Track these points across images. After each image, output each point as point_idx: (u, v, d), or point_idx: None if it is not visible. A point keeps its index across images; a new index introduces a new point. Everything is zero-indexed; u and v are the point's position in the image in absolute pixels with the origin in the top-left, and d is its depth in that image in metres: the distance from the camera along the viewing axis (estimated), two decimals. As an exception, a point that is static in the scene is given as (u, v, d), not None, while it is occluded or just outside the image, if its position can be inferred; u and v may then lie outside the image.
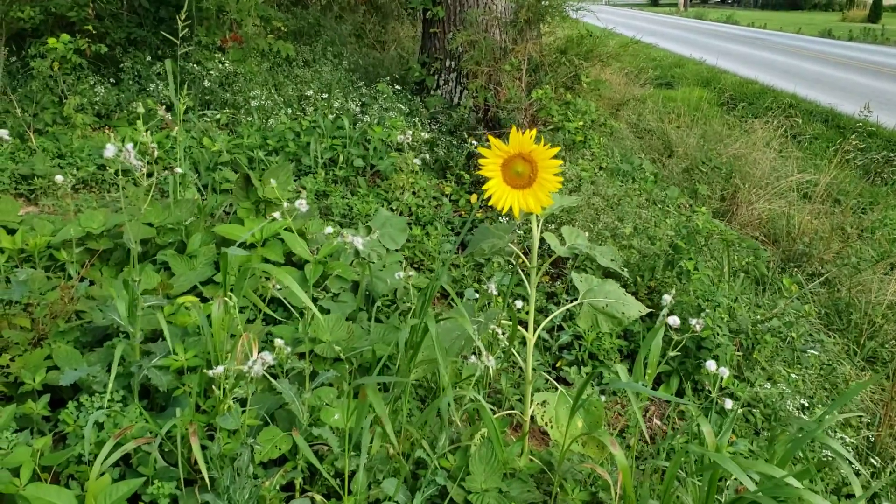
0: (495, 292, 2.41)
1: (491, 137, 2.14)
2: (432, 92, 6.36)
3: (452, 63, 6.16)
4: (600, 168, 4.35)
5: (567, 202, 2.36)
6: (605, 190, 4.04)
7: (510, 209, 2.08)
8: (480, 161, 2.10)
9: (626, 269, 3.70)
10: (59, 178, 3.10)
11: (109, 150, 2.00)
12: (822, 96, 12.50)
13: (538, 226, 2.31)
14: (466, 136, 5.45)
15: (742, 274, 4.23)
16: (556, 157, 2.03)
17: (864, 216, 6.56)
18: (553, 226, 4.10)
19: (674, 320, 2.23)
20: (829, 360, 3.62)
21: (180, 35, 4.72)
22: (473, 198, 4.84)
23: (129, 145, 2.00)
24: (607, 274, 3.75)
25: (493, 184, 2.10)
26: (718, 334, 3.19)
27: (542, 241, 2.37)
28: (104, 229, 3.23)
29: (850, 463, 1.89)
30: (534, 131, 2.06)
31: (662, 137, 8.03)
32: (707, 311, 3.18)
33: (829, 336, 4.09)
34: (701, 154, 7.03)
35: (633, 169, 4.53)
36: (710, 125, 8.92)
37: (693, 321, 2.23)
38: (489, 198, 2.09)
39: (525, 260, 2.35)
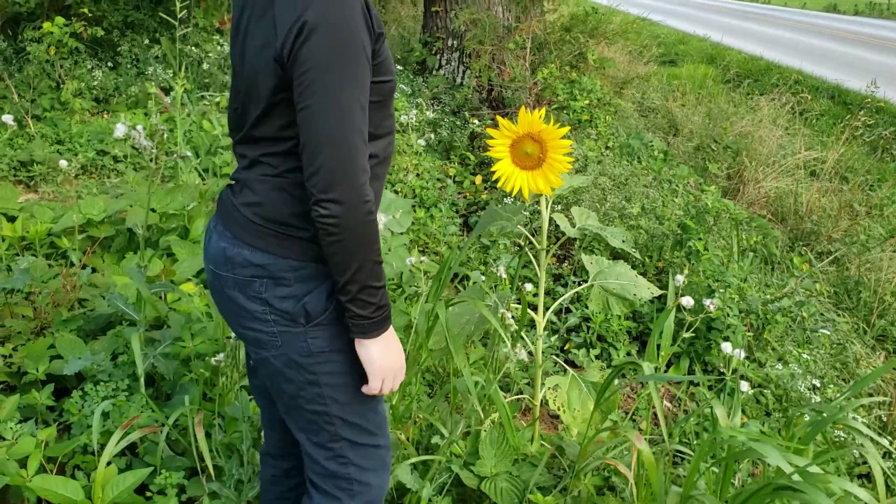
0: (503, 275, 2.37)
1: (499, 118, 2.09)
2: (434, 72, 6.29)
3: (455, 42, 6.08)
4: (606, 147, 4.29)
5: (577, 182, 2.31)
6: (612, 169, 3.99)
7: (520, 191, 2.04)
8: (489, 142, 2.05)
9: (635, 250, 3.66)
10: (63, 163, 3.07)
11: (120, 130, 1.96)
12: (829, 72, 12.38)
13: (547, 207, 2.26)
14: (470, 116, 5.39)
15: (751, 253, 4.19)
16: (564, 137, 1.98)
17: (873, 193, 6.50)
18: (559, 206, 4.05)
19: (687, 301, 2.20)
20: (840, 340, 3.58)
21: (178, 17, 4.65)
22: (478, 179, 4.79)
23: (140, 127, 1.95)
24: (616, 255, 3.71)
25: (501, 165, 2.05)
26: (729, 315, 3.15)
27: (550, 221, 2.33)
28: (105, 216, 3.19)
29: (875, 442, 1.85)
30: (543, 111, 2.01)
31: (667, 116, 7.95)
32: (718, 291, 3.14)
33: (839, 315, 4.05)
34: (706, 132, 6.96)
35: (643, 146, 4.47)
36: (716, 103, 8.83)
37: (707, 301, 2.19)
38: (498, 179, 2.05)
39: (534, 241, 2.31)
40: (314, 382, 1.46)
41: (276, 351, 1.45)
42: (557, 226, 2.79)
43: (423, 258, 2.29)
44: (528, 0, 4.74)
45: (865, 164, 7.40)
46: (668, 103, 8.63)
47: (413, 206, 4.45)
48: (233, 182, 1.50)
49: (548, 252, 2.29)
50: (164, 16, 5.36)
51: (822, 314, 3.75)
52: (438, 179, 4.83)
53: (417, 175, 4.73)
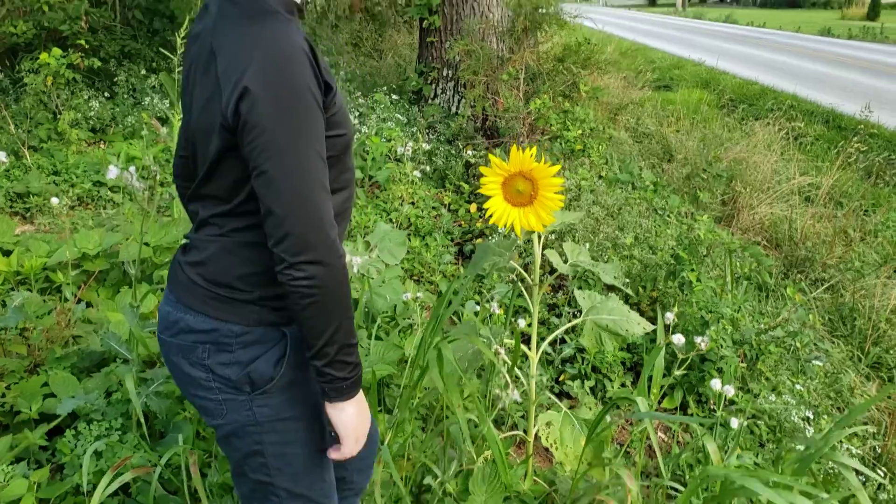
0: (497, 309, 2.38)
1: (491, 156, 2.11)
2: (430, 101, 6.34)
3: (450, 72, 6.13)
4: (600, 177, 4.31)
5: (568, 218, 2.33)
6: (605, 199, 4.01)
7: (512, 226, 2.06)
8: (481, 180, 2.07)
9: (628, 281, 3.67)
10: (54, 200, 3.07)
11: (112, 172, 1.98)
12: (823, 96, 12.45)
13: (539, 242, 2.28)
14: (465, 145, 5.42)
15: (745, 281, 4.20)
16: (557, 174, 2.00)
17: (867, 218, 6.52)
18: (553, 235, 4.07)
19: (678, 339, 2.20)
20: (834, 369, 3.58)
21: (175, 47, 4.69)
22: (473, 207, 4.81)
23: (132, 168, 1.97)
24: (609, 287, 3.72)
25: (494, 202, 2.07)
26: (722, 346, 3.16)
27: (542, 256, 2.34)
28: (100, 249, 3.20)
29: (860, 475, 1.85)
30: (534, 149, 2.03)
31: (662, 142, 7.99)
32: (710, 323, 3.15)
33: (834, 343, 4.05)
34: (701, 158, 6.99)
35: (633, 178, 4.50)
36: (710, 128, 8.87)
37: (698, 339, 2.20)
38: (491, 216, 2.06)
39: (527, 276, 2.32)
40: (259, 452, 1.43)
41: (221, 419, 1.41)
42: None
43: (418, 294, 2.30)
44: (521, 32, 4.80)
45: (860, 189, 7.42)
46: (662, 129, 8.68)
47: (408, 235, 4.47)
48: (186, 241, 1.46)
49: (541, 287, 2.30)
50: (162, 50, 5.41)
51: (815, 343, 3.76)
52: (433, 208, 4.85)
53: (412, 203, 4.76)
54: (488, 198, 2.05)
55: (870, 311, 4.33)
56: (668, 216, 4.01)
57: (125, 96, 6.34)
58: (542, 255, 2.29)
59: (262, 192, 1.22)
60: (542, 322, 3.61)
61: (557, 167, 2.02)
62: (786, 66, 17.60)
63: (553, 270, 3.33)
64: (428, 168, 5.18)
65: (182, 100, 1.43)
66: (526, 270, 2.35)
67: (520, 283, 2.34)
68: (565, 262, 2.28)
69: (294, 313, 1.26)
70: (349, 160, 1.46)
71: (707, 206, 5.13)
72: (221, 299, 1.36)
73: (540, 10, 4.72)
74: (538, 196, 2.05)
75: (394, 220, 4.60)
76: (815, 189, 6.70)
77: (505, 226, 2.05)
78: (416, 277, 4.07)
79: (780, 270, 5.13)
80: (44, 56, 5.47)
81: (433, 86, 6.37)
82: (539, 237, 2.28)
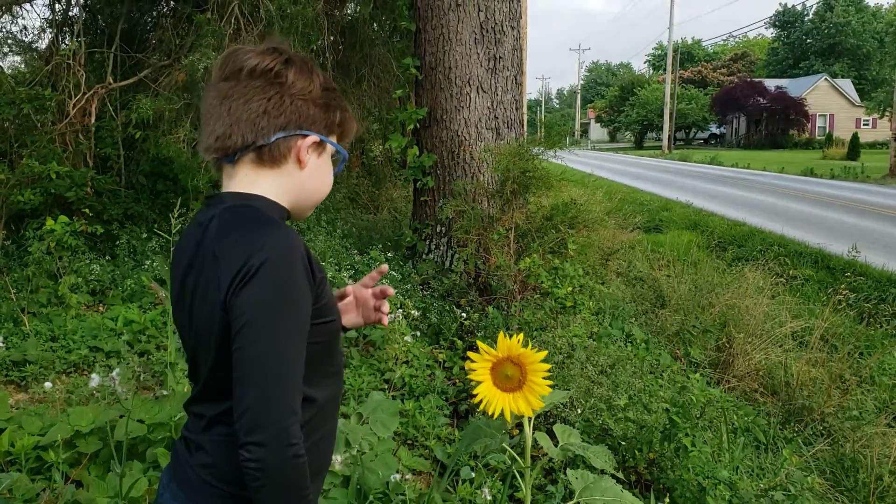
0: (489, 497, 2.36)
1: (479, 343, 2.16)
2: (424, 257, 6.49)
3: (443, 229, 6.32)
4: (591, 334, 4.38)
5: (557, 398, 2.35)
6: (598, 358, 4.05)
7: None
8: (470, 365, 2.12)
9: (622, 444, 3.64)
10: (47, 384, 3.09)
11: (94, 380, 2.02)
12: (811, 236, 12.70)
13: (530, 424, 2.29)
14: (459, 301, 5.51)
15: (742, 436, 4.16)
16: (544, 360, 2.05)
17: (863, 361, 6.52)
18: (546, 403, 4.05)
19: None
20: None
21: (176, 210, 4.85)
22: (468, 364, 4.81)
23: (115, 372, 2.01)
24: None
25: (483, 387, 2.11)
26: (721, 514, 3.10)
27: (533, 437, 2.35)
28: (94, 426, 3.19)
29: None
30: (521, 335, 2.08)
31: (654, 286, 8.07)
32: (708, 489, 3.11)
33: (837, 499, 3.97)
34: (693, 304, 7.06)
35: (623, 336, 4.57)
36: (701, 271, 8.98)
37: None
38: (480, 402, 2.09)
39: (518, 460, 2.31)
40: None
41: None
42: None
43: (407, 475, 2.28)
44: (510, 193, 4.99)
45: (854, 331, 7.46)
46: (654, 272, 8.79)
47: (402, 397, 4.46)
48: (186, 437, 1.48)
49: (533, 472, 2.30)
50: (162, 211, 5.59)
51: (817, 504, 3.68)
52: (428, 366, 4.86)
53: (406, 362, 4.77)
54: (479, 394, 2.08)
55: (871, 462, 4.27)
56: (661, 376, 4.03)
57: (126, 258, 6.48)
58: (533, 437, 2.29)
59: (235, 367, 1.28)
60: (539, 488, 3.55)
61: (544, 353, 2.07)
62: (772, 206, 18.05)
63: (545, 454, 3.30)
64: (421, 325, 5.23)
65: (177, 318, 1.48)
66: (518, 455, 2.35)
67: (511, 465, 2.33)
68: (556, 444, 2.28)
69: (250, 495, 1.28)
70: (338, 345, 1.52)
71: (698, 361, 5.15)
72: (234, 496, 1.37)
73: (527, 174, 4.93)
74: (527, 381, 2.09)
75: (389, 380, 4.60)
76: (808, 333, 6.73)
77: (494, 412, 2.07)
78: (409, 442, 4.02)
79: (777, 420, 5.09)
80: (49, 222, 5.63)
81: (427, 242, 6.54)
82: (530, 420, 2.30)
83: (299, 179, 1.51)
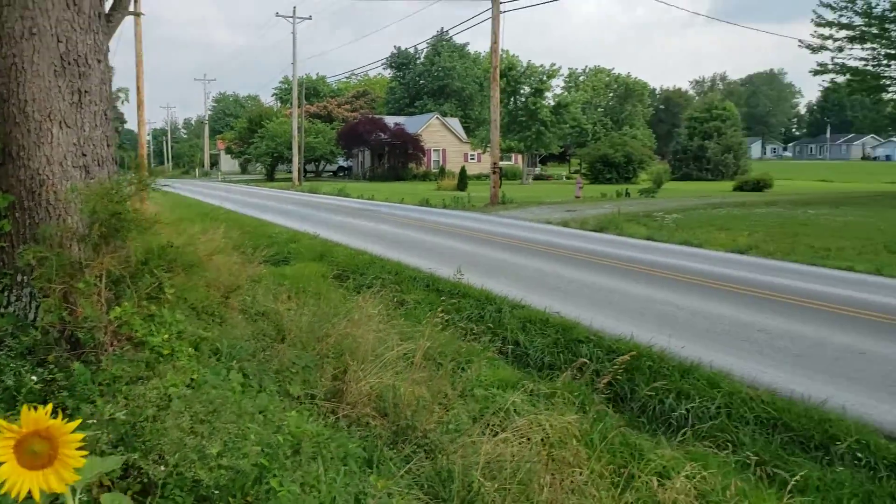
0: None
1: (0, 420, 1.91)
2: (3, 310, 5.74)
3: (25, 279, 5.66)
4: (191, 382, 4.21)
5: (109, 466, 2.17)
6: (195, 406, 3.88)
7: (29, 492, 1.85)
8: (-16, 446, 1.86)
9: (216, 493, 3.52)
10: None
11: None
12: (424, 262, 13.70)
13: (75, 497, 2.08)
14: (45, 357, 4.94)
15: (340, 464, 4.27)
16: (77, 431, 1.87)
17: (463, 374, 7.15)
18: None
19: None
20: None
21: None
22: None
23: None
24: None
25: (5, 469, 1.86)
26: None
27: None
28: None
29: None
30: (50, 406, 1.88)
31: (276, 320, 8.06)
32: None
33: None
34: (311, 336, 7.18)
35: (223, 380, 4.47)
36: (325, 300, 9.18)
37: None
38: (2, 484, 1.85)
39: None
40: None
41: None
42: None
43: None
44: (99, 238, 4.62)
45: (457, 347, 8.15)
46: (277, 305, 8.77)
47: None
48: None
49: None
50: None
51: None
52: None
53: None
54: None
55: (464, 470, 4.63)
56: (261, 415, 4.00)
57: None
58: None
59: None
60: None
61: (77, 422, 1.90)
62: (389, 234, 19.27)
63: None
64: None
65: None
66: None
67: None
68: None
69: None
70: None
71: (303, 396, 5.23)
72: None
73: (118, 216, 4.60)
74: (58, 455, 1.90)
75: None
76: (415, 353, 7.21)
77: (20, 494, 1.84)
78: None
79: (386, 440, 5.34)
80: None
81: (7, 293, 5.80)
82: (74, 492, 2.09)
83: None
